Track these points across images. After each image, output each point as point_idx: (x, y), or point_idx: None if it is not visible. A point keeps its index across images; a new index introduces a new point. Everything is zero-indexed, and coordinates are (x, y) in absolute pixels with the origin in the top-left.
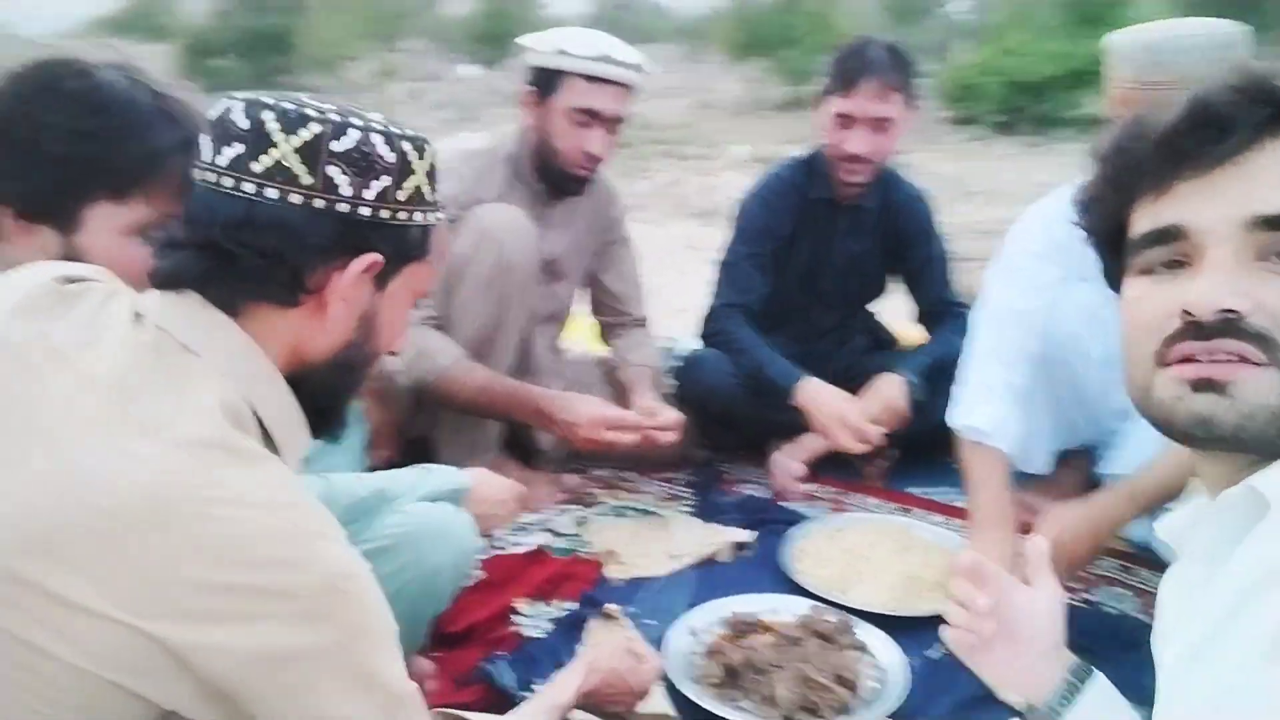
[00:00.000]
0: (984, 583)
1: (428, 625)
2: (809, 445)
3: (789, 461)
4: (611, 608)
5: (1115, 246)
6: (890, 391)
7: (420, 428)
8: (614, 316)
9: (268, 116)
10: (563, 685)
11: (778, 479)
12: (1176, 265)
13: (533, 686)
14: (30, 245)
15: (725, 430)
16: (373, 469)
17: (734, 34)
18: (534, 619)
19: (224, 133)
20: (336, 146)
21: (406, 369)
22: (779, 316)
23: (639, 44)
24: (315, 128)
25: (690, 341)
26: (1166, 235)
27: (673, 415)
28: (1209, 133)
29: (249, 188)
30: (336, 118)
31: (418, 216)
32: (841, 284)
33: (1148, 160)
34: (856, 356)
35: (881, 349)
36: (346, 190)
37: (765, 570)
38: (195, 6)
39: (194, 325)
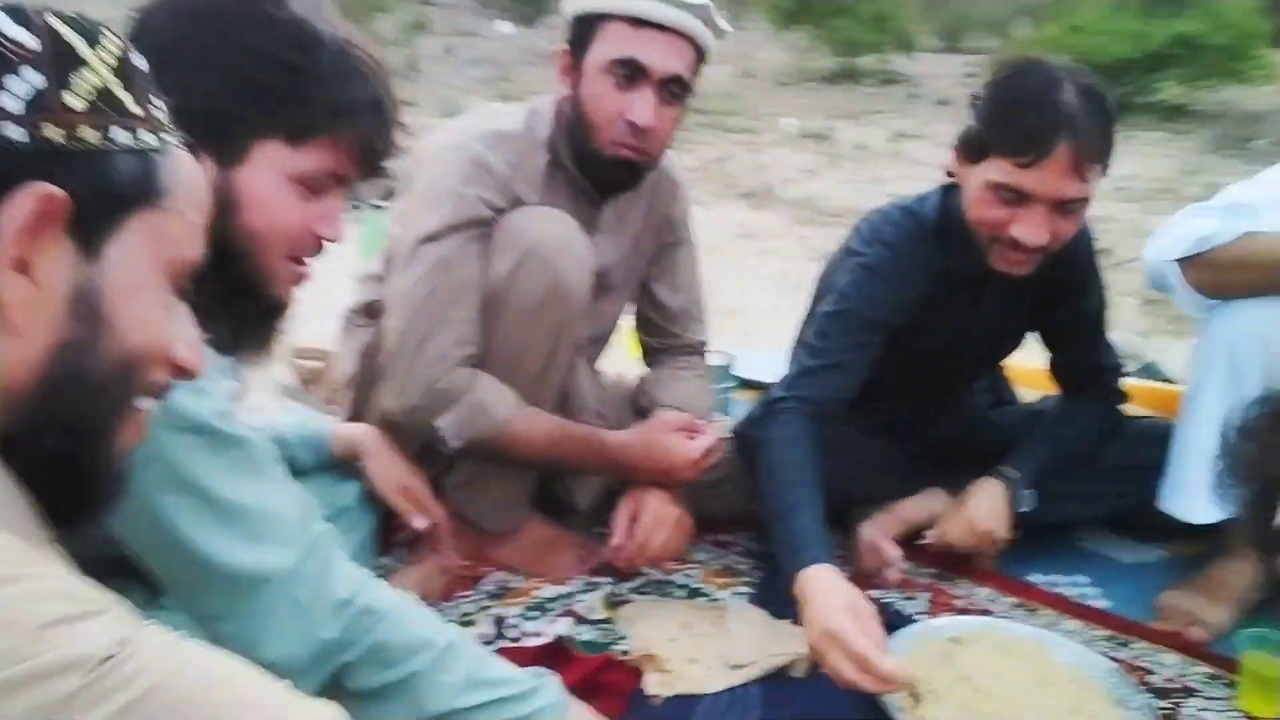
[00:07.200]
0: None
1: None
2: (906, 515)
3: (884, 541)
4: None
5: None
6: (984, 510)
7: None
8: (662, 338)
9: None
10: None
11: (867, 559)
12: None
13: None
14: None
15: None
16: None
17: (779, 0)
18: None
19: None
20: None
21: (456, 429)
22: (880, 394)
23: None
24: None
25: (749, 359)
26: None
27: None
28: None
29: None
30: None
31: (120, 135)
32: (974, 359)
33: (1260, 465)
34: (970, 422)
35: (1000, 403)
36: None
37: (855, 694)
38: None
39: None
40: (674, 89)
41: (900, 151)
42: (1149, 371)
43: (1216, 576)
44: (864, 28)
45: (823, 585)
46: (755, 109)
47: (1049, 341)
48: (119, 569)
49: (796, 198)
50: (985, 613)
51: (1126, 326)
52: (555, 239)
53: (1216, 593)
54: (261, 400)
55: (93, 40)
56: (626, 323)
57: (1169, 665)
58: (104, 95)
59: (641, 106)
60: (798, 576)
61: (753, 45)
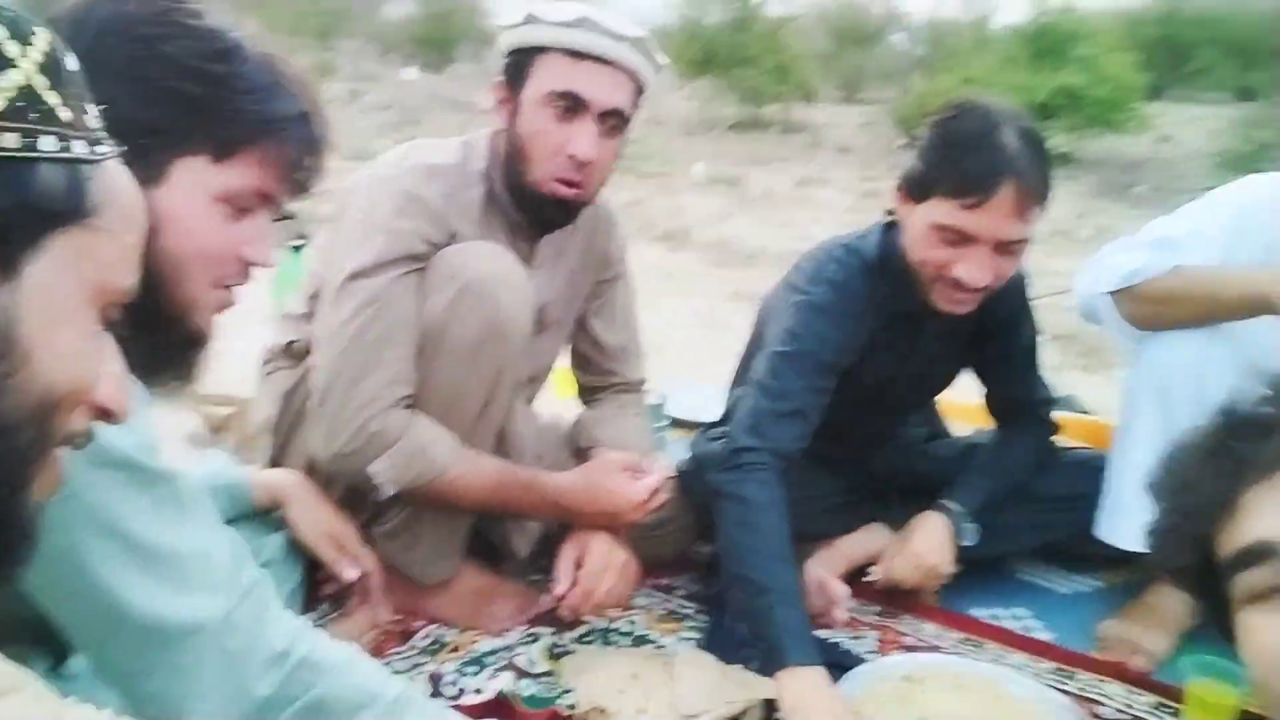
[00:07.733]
0: None
1: None
2: (849, 552)
3: (831, 578)
4: None
5: (1209, 581)
6: (928, 544)
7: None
8: (599, 376)
9: None
10: None
11: (814, 598)
12: None
13: None
14: None
15: None
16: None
17: (684, 51)
18: None
19: None
20: None
21: (393, 474)
22: (819, 430)
23: None
24: None
25: (679, 396)
26: (1254, 555)
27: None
28: (1255, 435)
29: None
30: None
31: (45, 142)
32: (912, 394)
33: (1206, 479)
34: (907, 456)
35: (935, 437)
36: None
37: None
38: None
39: None
40: (614, 122)
41: (806, 196)
42: (1067, 404)
43: (1153, 603)
44: (767, 78)
45: (820, 690)
46: (666, 155)
47: (983, 375)
48: (14, 632)
49: (712, 240)
50: (934, 649)
51: None
52: (494, 274)
53: (1154, 620)
54: (171, 449)
55: (21, 35)
56: (559, 362)
57: (1115, 696)
58: (29, 97)
59: (582, 139)
60: (788, 671)
61: (659, 95)
